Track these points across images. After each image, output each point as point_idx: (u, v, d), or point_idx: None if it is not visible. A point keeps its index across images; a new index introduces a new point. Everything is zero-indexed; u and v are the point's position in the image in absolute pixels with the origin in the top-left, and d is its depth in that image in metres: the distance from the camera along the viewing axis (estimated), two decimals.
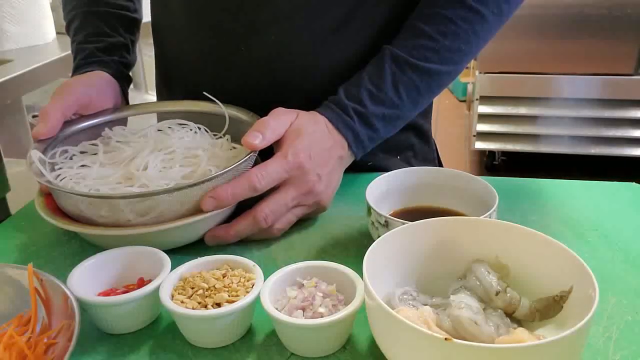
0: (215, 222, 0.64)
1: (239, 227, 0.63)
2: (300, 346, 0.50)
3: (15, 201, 0.77)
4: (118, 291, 0.55)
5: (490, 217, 0.58)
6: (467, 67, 3.76)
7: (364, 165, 0.81)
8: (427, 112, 0.89)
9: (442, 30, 0.69)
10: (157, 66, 0.89)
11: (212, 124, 0.74)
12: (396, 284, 0.51)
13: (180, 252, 0.63)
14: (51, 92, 0.72)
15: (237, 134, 0.71)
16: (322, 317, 0.49)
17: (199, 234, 0.64)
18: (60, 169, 0.66)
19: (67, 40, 0.85)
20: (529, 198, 0.75)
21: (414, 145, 0.87)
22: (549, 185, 0.79)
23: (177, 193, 0.58)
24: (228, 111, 0.73)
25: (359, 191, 0.65)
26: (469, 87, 3.16)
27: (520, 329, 0.45)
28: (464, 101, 3.68)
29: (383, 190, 0.66)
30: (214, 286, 0.52)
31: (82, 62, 0.79)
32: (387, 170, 0.68)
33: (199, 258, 0.56)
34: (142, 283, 0.55)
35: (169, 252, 0.57)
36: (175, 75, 0.85)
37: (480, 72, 2.60)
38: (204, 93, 0.73)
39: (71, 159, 0.69)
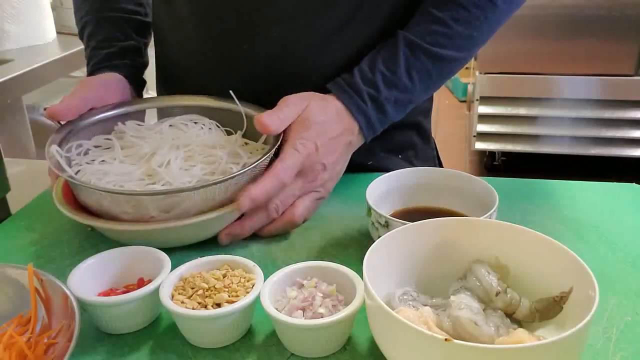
0: (233, 218, 0.65)
1: (253, 222, 0.65)
2: (300, 346, 0.50)
3: (15, 201, 0.77)
4: (118, 291, 0.55)
5: (490, 218, 0.58)
6: (467, 68, 3.77)
7: (364, 165, 0.82)
8: (427, 112, 0.89)
9: (455, 17, 0.70)
10: (158, 65, 0.89)
11: (221, 119, 0.75)
12: (396, 285, 0.51)
13: (180, 252, 0.63)
14: (51, 92, 0.73)
15: (246, 129, 0.72)
16: (322, 317, 0.49)
17: (216, 230, 0.65)
18: (77, 163, 0.67)
19: (68, 40, 0.86)
20: (529, 198, 0.75)
21: (415, 145, 0.87)
22: (549, 186, 0.79)
23: (202, 190, 0.59)
24: (236, 107, 0.73)
25: (359, 191, 0.65)
26: (469, 88, 3.16)
27: (520, 329, 0.45)
28: (464, 101, 3.68)
29: (383, 190, 0.66)
30: (214, 286, 0.52)
31: (95, 67, 0.80)
32: (387, 170, 0.68)
33: (199, 258, 0.56)
34: (142, 283, 0.55)
35: (169, 252, 0.57)
36: (176, 74, 0.85)
37: (480, 73, 2.60)
38: (230, 92, 0.73)
39: (86, 153, 0.69)
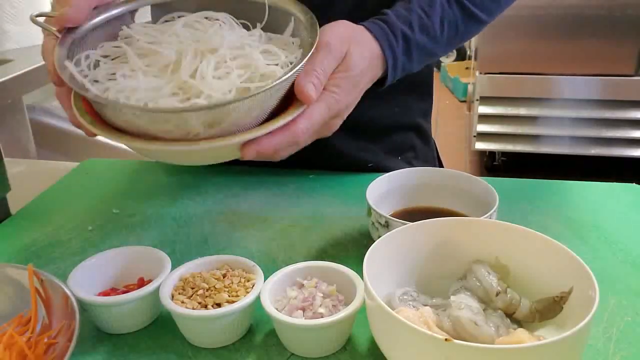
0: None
1: (283, 152, 0.58)
2: (300, 346, 0.50)
3: (15, 201, 0.77)
4: (118, 291, 0.55)
5: (490, 218, 0.58)
6: (467, 68, 3.77)
7: (364, 166, 0.82)
8: (427, 113, 0.89)
9: None
10: None
11: (233, 11, 0.65)
12: (396, 285, 0.51)
13: (180, 252, 0.63)
14: (51, 92, 0.69)
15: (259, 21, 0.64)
16: (322, 317, 0.49)
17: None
18: (93, 80, 0.58)
19: None
20: (529, 199, 0.75)
21: (415, 146, 0.87)
22: (549, 186, 0.79)
23: (248, 100, 0.52)
24: None
25: (359, 191, 0.65)
26: (469, 88, 3.16)
27: (520, 329, 0.45)
28: (464, 102, 3.68)
29: (383, 190, 0.66)
30: (214, 286, 0.52)
31: None
32: (387, 171, 0.68)
33: (199, 258, 0.56)
34: (142, 283, 0.55)
35: (169, 252, 0.57)
36: None
37: (480, 73, 2.60)
38: None
39: (97, 65, 0.60)
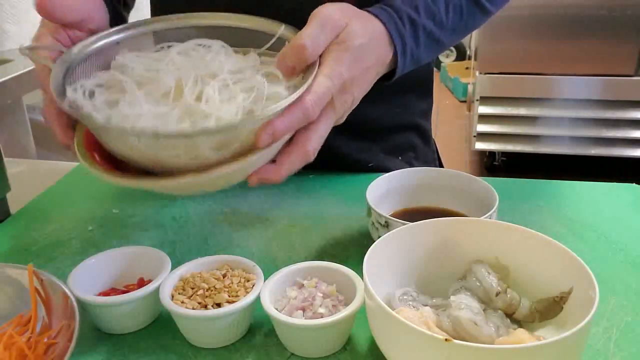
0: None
1: (289, 166, 0.57)
2: (300, 346, 0.50)
3: (15, 201, 0.77)
4: (118, 291, 0.55)
5: (490, 218, 0.58)
6: (467, 68, 3.77)
7: (364, 166, 0.82)
8: (427, 113, 0.89)
9: None
10: None
11: (224, 39, 0.64)
12: (396, 285, 0.51)
13: (180, 252, 0.63)
14: None
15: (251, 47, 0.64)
16: (322, 317, 0.49)
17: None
18: (92, 109, 0.56)
19: None
20: (529, 199, 0.75)
21: (416, 146, 0.87)
22: (549, 186, 0.79)
23: (258, 121, 0.51)
24: (244, 24, 0.64)
25: (359, 191, 0.65)
26: (469, 88, 3.16)
27: (521, 329, 0.45)
28: (464, 102, 3.68)
29: (383, 190, 0.66)
30: (214, 286, 0.52)
31: None
32: (388, 171, 0.68)
33: (199, 258, 0.56)
34: (142, 283, 0.55)
35: (169, 252, 0.57)
36: None
37: (480, 73, 2.60)
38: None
39: (92, 95, 0.57)
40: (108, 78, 0.59)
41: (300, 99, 0.54)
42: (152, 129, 0.52)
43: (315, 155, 0.58)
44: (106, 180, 0.52)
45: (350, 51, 0.58)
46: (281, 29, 0.62)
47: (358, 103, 0.63)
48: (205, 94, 0.55)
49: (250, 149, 0.53)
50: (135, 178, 0.53)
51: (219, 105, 0.54)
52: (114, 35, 0.63)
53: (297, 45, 0.56)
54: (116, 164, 0.55)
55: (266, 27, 0.63)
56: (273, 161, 0.57)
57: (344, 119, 0.62)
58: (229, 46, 0.63)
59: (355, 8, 0.62)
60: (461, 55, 4.21)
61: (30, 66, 1.48)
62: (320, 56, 0.58)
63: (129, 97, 0.56)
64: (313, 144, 0.57)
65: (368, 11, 0.64)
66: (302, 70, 0.57)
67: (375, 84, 0.65)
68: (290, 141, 0.57)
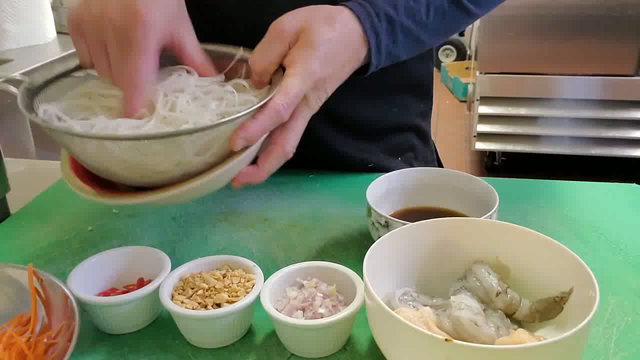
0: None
1: (269, 166, 0.58)
2: (300, 347, 0.50)
3: (15, 201, 0.77)
4: (118, 291, 0.55)
5: (490, 218, 0.58)
6: (467, 68, 3.77)
7: (364, 166, 0.82)
8: (426, 114, 0.89)
9: None
10: None
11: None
12: (396, 285, 0.51)
13: (180, 252, 0.63)
14: None
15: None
16: (322, 317, 0.49)
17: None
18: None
19: (68, 40, 0.85)
20: (529, 199, 0.75)
21: (415, 147, 0.87)
22: (549, 186, 0.79)
23: (235, 122, 0.52)
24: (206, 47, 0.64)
25: (359, 192, 0.65)
26: (470, 88, 3.16)
27: (521, 330, 0.45)
28: (465, 102, 3.68)
29: (383, 190, 0.66)
30: (214, 286, 0.52)
31: None
32: (387, 171, 0.68)
33: (199, 258, 0.56)
34: (142, 283, 0.55)
35: (169, 252, 0.57)
36: None
37: (480, 73, 2.60)
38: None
39: (59, 119, 0.57)
40: (76, 104, 0.59)
41: (271, 100, 0.55)
42: (132, 133, 0.52)
43: (294, 152, 0.59)
44: (98, 201, 0.54)
45: (317, 49, 0.59)
46: (240, 52, 0.64)
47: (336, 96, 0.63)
48: (178, 105, 0.56)
49: (230, 153, 0.54)
50: (124, 196, 0.54)
51: (194, 112, 0.55)
52: (73, 62, 0.63)
53: (250, 61, 0.59)
54: (104, 185, 0.56)
55: (225, 50, 0.65)
56: (255, 161, 0.59)
57: (317, 109, 0.62)
58: (191, 69, 0.62)
59: (324, 7, 0.62)
60: (461, 55, 4.22)
61: (30, 66, 1.48)
62: (288, 61, 0.59)
63: (102, 118, 0.56)
64: (291, 142, 0.58)
65: (345, 6, 0.63)
66: (268, 81, 0.59)
67: (372, 81, 0.65)
68: (268, 140, 0.58)
